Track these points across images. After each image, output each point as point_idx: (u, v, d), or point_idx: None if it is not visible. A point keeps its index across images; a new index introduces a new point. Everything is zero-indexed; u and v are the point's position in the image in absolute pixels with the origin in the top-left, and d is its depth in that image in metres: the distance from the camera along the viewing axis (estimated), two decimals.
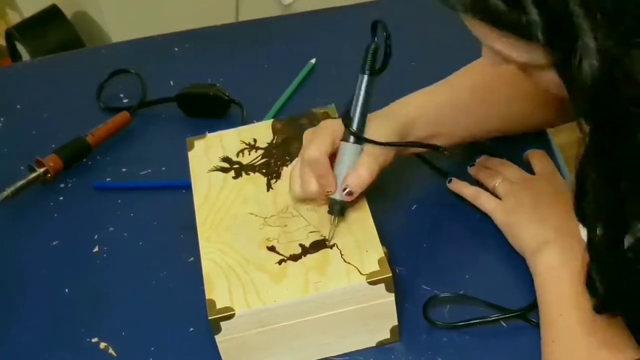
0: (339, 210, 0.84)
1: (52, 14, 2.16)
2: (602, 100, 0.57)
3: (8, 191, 1.04)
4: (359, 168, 0.84)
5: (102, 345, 0.89)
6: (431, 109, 0.92)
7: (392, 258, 0.85)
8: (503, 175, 0.94)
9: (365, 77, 0.85)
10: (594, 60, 0.55)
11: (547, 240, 0.83)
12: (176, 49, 1.28)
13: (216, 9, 1.98)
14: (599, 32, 0.54)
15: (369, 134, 0.85)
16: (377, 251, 0.81)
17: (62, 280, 0.96)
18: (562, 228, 0.83)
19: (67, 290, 0.95)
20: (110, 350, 0.88)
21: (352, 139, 0.84)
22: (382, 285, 0.79)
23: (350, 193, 0.84)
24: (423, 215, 0.96)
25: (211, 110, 1.13)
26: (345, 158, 0.85)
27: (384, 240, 0.83)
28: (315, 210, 0.86)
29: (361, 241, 0.82)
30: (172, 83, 1.20)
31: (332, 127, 0.86)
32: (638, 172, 0.60)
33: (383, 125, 0.87)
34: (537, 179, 0.93)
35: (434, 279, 0.89)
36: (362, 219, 0.85)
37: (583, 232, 0.66)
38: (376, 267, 0.80)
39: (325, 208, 0.86)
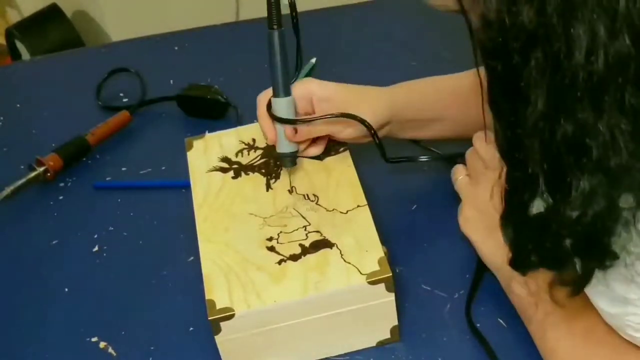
0: (290, 161, 0.90)
1: (52, 13, 2.17)
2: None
3: (8, 190, 1.04)
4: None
5: (102, 344, 0.89)
6: (430, 92, 0.95)
7: (392, 258, 0.85)
8: (467, 166, 0.89)
9: (275, 33, 0.88)
10: None
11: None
12: (176, 48, 1.28)
13: (216, 8, 1.98)
14: None
15: (364, 103, 0.90)
16: (377, 251, 0.81)
17: (61, 280, 0.96)
18: None
19: (66, 289, 0.95)
20: (110, 350, 0.88)
21: (281, 92, 0.89)
22: (382, 285, 0.79)
23: (295, 131, 0.90)
24: (423, 215, 0.96)
25: (210, 112, 1.13)
26: (279, 111, 0.89)
27: (384, 240, 0.83)
28: (315, 210, 0.86)
29: (361, 241, 0.82)
30: (172, 82, 1.20)
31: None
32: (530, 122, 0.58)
33: (377, 99, 0.92)
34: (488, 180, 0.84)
35: (434, 279, 0.89)
36: (362, 219, 0.85)
37: None
38: (376, 267, 0.80)
39: (325, 208, 0.86)
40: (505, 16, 0.55)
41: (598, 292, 0.69)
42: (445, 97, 0.95)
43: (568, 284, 0.69)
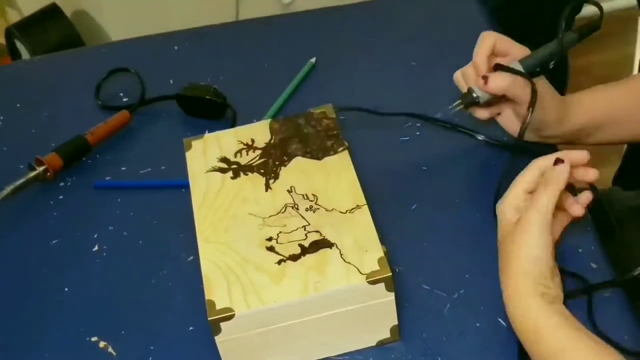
0: (468, 101, 0.94)
1: (51, 13, 2.16)
2: None
3: (8, 190, 1.04)
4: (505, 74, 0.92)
5: (102, 344, 0.89)
6: (601, 101, 0.98)
7: (391, 258, 0.85)
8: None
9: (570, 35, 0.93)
10: None
11: (506, 296, 0.80)
12: (176, 47, 1.28)
13: (216, 7, 1.98)
14: None
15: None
16: (377, 251, 0.81)
17: (61, 279, 0.96)
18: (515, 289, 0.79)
19: (66, 289, 0.95)
20: (110, 350, 0.88)
21: (527, 64, 0.93)
22: (382, 285, 0.79)
23: (485, 80, 0.91)
24: (423, 215, 0.96)
25: (208, 112, 1.13)
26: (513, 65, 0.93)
27: (383, 240, 0.83)
28: (314, 210, 0.86)
29: (361, 241, 0.82)
30: (171, 82, 1.20)
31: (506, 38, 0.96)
32: None
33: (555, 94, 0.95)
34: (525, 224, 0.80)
35: (434, 279, 0.89)
36: (361, 219, 0.85)
37: None
38: (376, 267, 0.80)
39: (324, 208, 0.86)
40: None
41: None
42: (616, 103, 0.98)
43: None
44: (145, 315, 0.91)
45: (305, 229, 0.85)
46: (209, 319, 0.78)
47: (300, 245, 0.83)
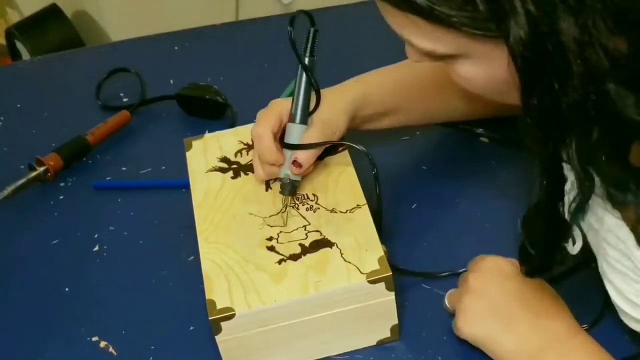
0: (289, 189, 0.88)
1: (52, 13, 2.16)
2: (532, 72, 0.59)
3: (8, 190, 1.04)
4: (306, 142, 0.88)
5: (102, 344, 0.89)
6: (387, 85, 0.95)
7: (391, 257, 0.85)
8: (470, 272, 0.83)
9: (307, 60, 0.88)
10: (523, 29, 0.58)
11: (539, 348, 0.77)
12: (176, 47, 1.28)
13: (216, 8, 1.98)
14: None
15: (323, 107, 0.89)
16: (377, 250, 0.81)
17: (62, 279, 0.96)
18: (546, 329, 0.77)
19: (67, 289, 0.95)
20: (110, 349, 0.88)
21: (297, 119, 0.88)
22: (382, 284, 0.79)
23: (299, 165, 0.87)
24: (423, 214, 0.96)
25: (209, 112, 1.14)
26: (291, 137, 0.88)
27: (383, 239, 0.83)
28: (315, 209, 0.86)
29: (361, 240, 0.82)
30: (172, 82, 1.20)
31: (279, 107, 0.90)
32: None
33: (338, 98, 0.91)
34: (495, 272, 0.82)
35: (434, 279, 0.89)
36: (361, 219, 0.85)
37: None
38: (376, 266, 0.80)
39: (325, 208, 0.86)
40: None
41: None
42: (403, 89, 0.96)
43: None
44: (145, 315, 0.91)
45: (305, 229, 0.85)
46: (209, 318, 0.78)
47: (300, 244, 0.83)
